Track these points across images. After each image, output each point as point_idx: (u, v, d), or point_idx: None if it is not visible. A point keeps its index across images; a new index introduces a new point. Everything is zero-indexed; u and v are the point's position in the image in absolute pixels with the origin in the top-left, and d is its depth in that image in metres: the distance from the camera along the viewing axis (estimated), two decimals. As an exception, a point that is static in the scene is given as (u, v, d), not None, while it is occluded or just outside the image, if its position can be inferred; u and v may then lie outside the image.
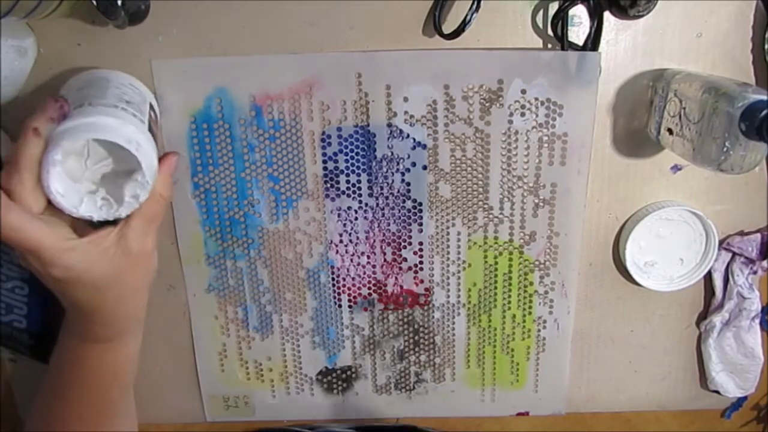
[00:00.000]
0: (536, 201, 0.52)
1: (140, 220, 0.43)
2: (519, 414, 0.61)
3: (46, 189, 0.39)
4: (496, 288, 0.56)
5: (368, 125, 0.50)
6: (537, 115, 0.49)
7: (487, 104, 0.49)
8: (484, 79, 0.49)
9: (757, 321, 0.57)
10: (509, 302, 0.56)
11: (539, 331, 0.57)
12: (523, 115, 0.49)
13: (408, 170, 0.51)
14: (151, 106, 0.47)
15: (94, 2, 0.42)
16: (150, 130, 0.43)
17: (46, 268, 0.41)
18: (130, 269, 0.45)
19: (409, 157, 0.51)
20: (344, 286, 0.55)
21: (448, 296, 0.56)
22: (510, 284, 0.56)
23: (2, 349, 0.57)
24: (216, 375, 0.59)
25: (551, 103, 0.49)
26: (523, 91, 0.49)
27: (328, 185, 0.52)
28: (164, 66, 0.48)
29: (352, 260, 0.54)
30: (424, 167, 0.51)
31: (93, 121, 0.39)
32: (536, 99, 0.49)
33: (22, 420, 0.62)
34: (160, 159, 0.46)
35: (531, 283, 0.55)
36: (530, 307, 0.56)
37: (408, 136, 0.50)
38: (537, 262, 0.55)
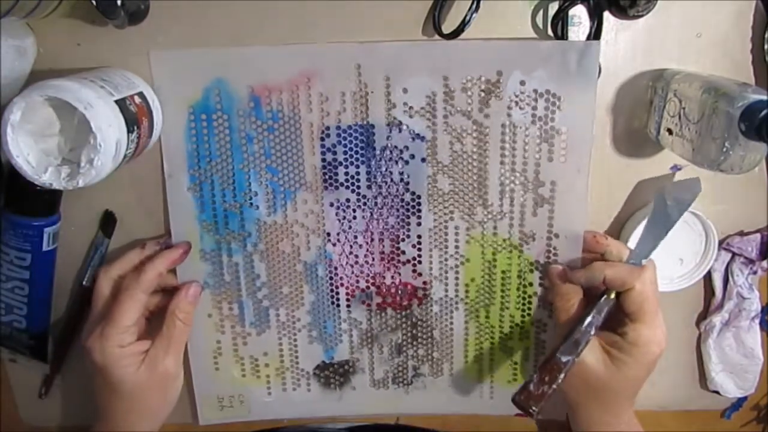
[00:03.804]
0: (536, 199, 0.52)
1: (162, 339, 0.51)
2: (518, 414, 0.60)
3: (6, 151, 0.40)
4: (494, 285, 0.55)
5: (367, 117, 0.50)
6: (536, 108, 0.49)
7: (486, 96, 0.49)
8: (483, 71, 0.49)
9: (757, 321, 0.57)
10: (508, 301, 0.55)
11: (539, 334, 0.57)
12: (521, 108, 0.49)
13: (407, 162, 0.51)
14: (143, 96, 0.46)
15: (94, 2, 0.43)
16: (133, 114, 0.43)
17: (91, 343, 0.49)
18: (150, 386, 0.50)
19: (408, 149, 0.51)
20: (342, 279, 0.55)
21: (446, 290, 0.55)
22: (509, 283, 0.55)
23: (2, 349, 0.57)
24: (210, 374, 0.58)
25: (550, 95, 0.49)
26: (522, 83, 0.49)
27: (327, 177, 0.52)
28: (162, 57, 0.48)
29: (350, 253, 0.54)
30: (423, 159, 0.51)
31: (52, 83, 0.40)
32: (535, 91, 0.49)
33: (22, 420, 0.61)
34: (181, 285, 0.52)
35: (530, 284, 0.55)
36: (529, 309, 0.56)
37: (407, 128, 0.50)
38: (537, 263, 0.54)
